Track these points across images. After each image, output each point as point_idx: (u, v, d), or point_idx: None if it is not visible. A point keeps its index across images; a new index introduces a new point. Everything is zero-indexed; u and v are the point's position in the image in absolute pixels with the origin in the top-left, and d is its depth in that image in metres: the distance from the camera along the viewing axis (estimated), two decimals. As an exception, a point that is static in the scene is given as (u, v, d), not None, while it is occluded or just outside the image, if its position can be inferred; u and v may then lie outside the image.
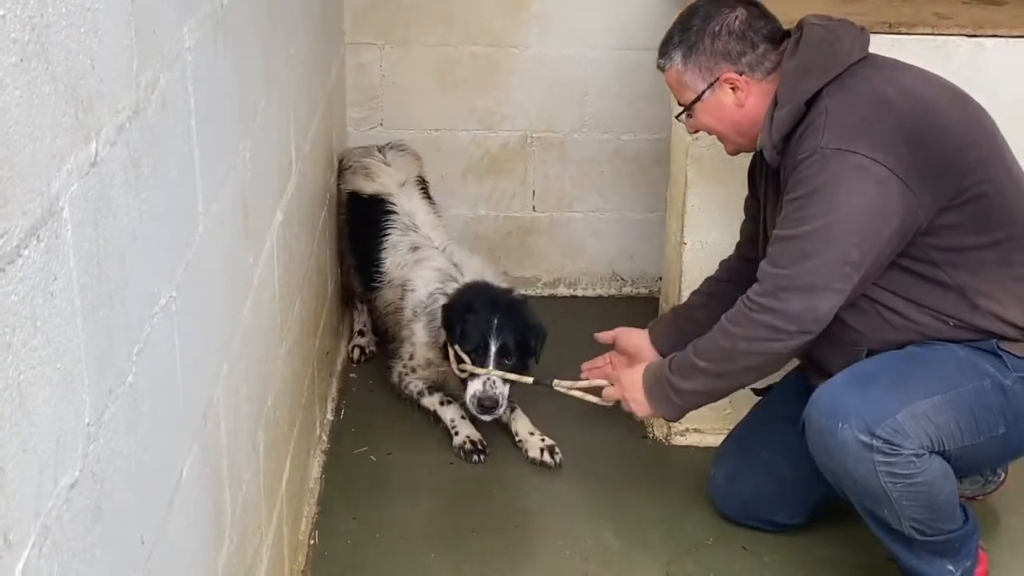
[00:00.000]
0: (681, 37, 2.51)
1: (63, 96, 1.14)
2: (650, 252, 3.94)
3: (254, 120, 2.14)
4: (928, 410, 2.29)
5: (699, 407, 2.64)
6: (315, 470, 3.02)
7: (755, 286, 2.39)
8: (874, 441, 2.25)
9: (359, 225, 3.51)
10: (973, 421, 2.33)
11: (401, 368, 3.34)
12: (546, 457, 3.12)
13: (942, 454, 2.31)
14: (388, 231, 3.43)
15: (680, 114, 2.59)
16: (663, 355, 2.72)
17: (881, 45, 2.84)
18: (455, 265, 3.30)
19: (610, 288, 4.15)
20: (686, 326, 2.78)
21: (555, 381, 2.94)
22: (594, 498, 2.93)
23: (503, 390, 3.02)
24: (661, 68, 2.57)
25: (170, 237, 1.55)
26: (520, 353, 3.08)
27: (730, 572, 2.70)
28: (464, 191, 4.02)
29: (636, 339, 2.92)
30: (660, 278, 3.73)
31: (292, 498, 2.61)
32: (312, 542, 2.78)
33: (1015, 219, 2.38)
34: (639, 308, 3.85)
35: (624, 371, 2.69)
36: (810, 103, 2.39)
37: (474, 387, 3.02)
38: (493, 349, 3.03)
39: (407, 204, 3.49)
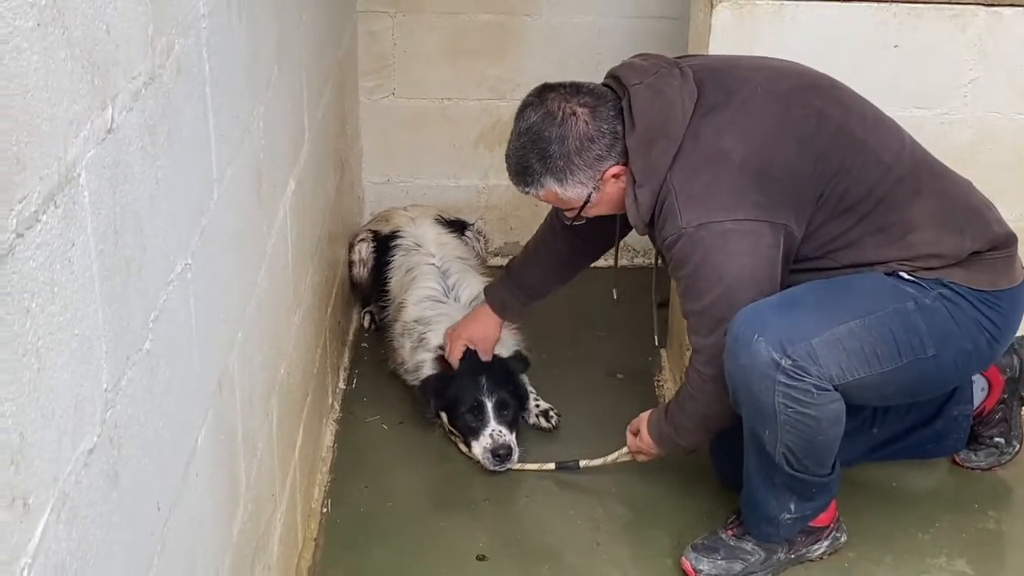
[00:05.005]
0: (544, 167, 2.43)
1: (79, 62, 1.14)
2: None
3: (267, 88, 2.14)
4: (844, 336, 2.31)
5: (704, 443, 2.74)
6: (328, 438, 3.03)
7: (695, 357, 2.48)
8: (783, 360, 2.27)
9: (378, 264, 3.55)
10: (894, 343, 2.34)
11: (394, 368, 3.34)
12: (542, 421, 3.14)
13: (848, 390, 2.32)
14: (393, 256, 3.48)
15: (573, 221, 2.56)
16: (505, 315, 3.03)
17: (898, 14, 2.82)
18: (448, 286, 3.31)
19: (621, 258, 4.11)
20: (520, 291, 3.00)
21: (582, 462, 2.92)
22: (602, 469, 2.93)
23: (512, 437, 2.97)
24: (527, 194, 2.52)
25: (186, 204, 1.55)
26: (515, 403, 3.05)
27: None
28: (475, 161, 4.01)
29: (477, 331, 3.04)
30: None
31: (305, 466, 2.62)
32: (325, 510, 2.79)
33: (874, 186, 2.40)
34: (648, 279, 3.84)
35: (635, 439, 2.75)
36: None
37: (482, 443, 2.95)
38: (490, 405, 2.98)
39: (415, 230, 3.54)
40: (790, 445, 2.37)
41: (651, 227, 2.48)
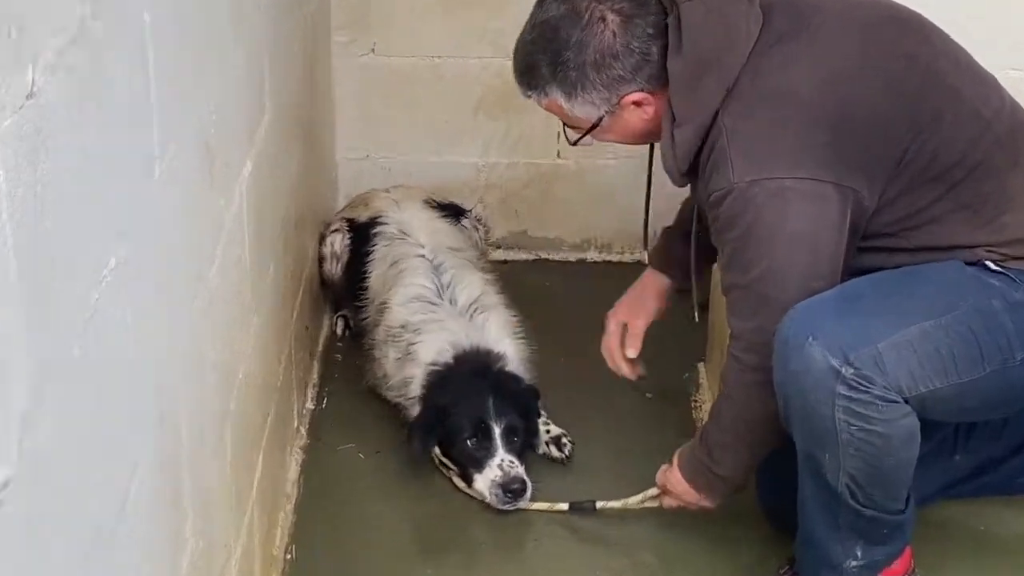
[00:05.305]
0: (553, 73, 2.44)
1: (-7, 12, 1.14)
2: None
3: (220, 46, 2.14)
4: (916, 338, 2.30)
5: (751, 473, 2.68)
6: (293, 470, 3.04)
7: (734, 343, 2.48)
8: (844, 368, 2.27)
9: (355, 259, 3.57)
10: (976, 347, 2.33)
11: (375, 382, 3.35)
12: (552, 449, 3.14)
13: (921, 403, 2.31)
14: (374, 246, 3.49)
15: (576, 142, 2.57)
16: (675, 277, 2.86)
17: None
18: (442, 284, 3.31)
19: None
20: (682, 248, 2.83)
21: (600, 503, 2.92)
22: (624, 512, 2.91)
23: (522, 469, 2.96)
24: (528, 98, 2.53)
25: (122, 185, 1.55)
26: (525, 429, 3.05)
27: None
28: (474, 132, 4.01)
29: (641, 311, 2.97)
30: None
31: (265, 504, 2.62)
32: (289, 556, 2.79)
33: (969, 147, 2.39)
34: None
35: (665, 474, 2.74)
36: None
37: (488, 476, 2.95)
38: (497, 430, 2.99)
39: (400, 215, 3.55)
40: (854, 472, 2.37)
41: (692, 177, 2.48)
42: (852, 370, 2.27)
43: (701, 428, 2.63)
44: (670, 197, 2.84)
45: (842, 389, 2.28)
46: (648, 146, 2.68)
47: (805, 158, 2.33)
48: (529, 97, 2.52)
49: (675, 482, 2.69)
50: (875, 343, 2.29)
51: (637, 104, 2.45)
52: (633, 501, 2.86)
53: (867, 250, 2.43)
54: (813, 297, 2.35)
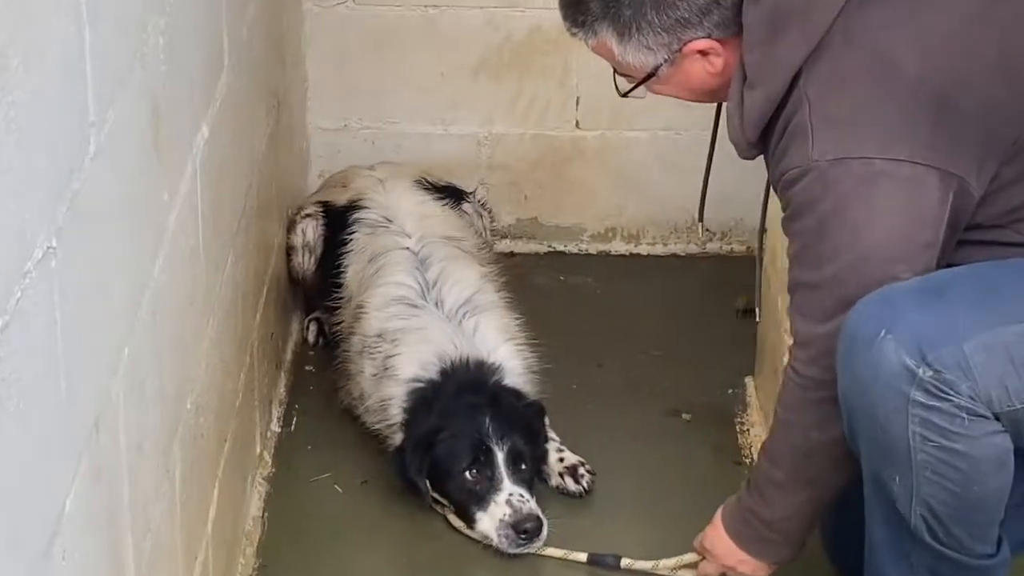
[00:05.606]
0: (605, 8, 2.46)
1: None
2: (749, 190, 3.92)
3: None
4: (1012, 341, 2.28)
5: (810, 528, 2.67)
6: (255, 504, 3.04)
7: (797, 352, 2.47)
8: (921, 369, 2.25)
9: (331, 250, 3.59)
10: None
11: (350, 403, 3.36)
12: (568, 482, 3.15)
13: (1015, 421, 2.29)
14: (352, 234, 3.51)
15: (628, 93, 2.60)
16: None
17: None
18: (427, 282, 3.32)
19: (688, 243, 4.14)
20: None
21: (625, 560, 2.92)
22: (655, 548, 2.92)
23: (535, 503, 2.97)
24: (575, 36, 2.56)
25: (49, 159, 1.55)
26: (533, 455, 3.07)
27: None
28: (475, 97, 4.02)
29: None
30: (765, 229, 3.72)
31: (221, 545, 2.62)
32: (250, 610, 2.82)
33: None
34: (730, 272, 3.85)
35: (707, 535, 2.74)
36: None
37: (495, 515, 2.95)
38: (500, 456, 3.00)
39: (384, 198, 3.57)
40: (931, 502, 2.35)
41: (762, 149, 2.49)
42: (931, 372, 2.25)
43: (752, 472, 2.63)
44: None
45: (918, 395, 2.26)
46: (715, 106, 2.70)
47: (905, 136, 2.33)
48: (575, 35, 2.55)
49: (717, 541, 2.69)
50: (960, 342, 2.27)
51: (702, 53, 2.47)
52: (665, 566, 2.87)
53: (969, 244, 2.43)
54: (891, 285, 2.34)
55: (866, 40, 2.38)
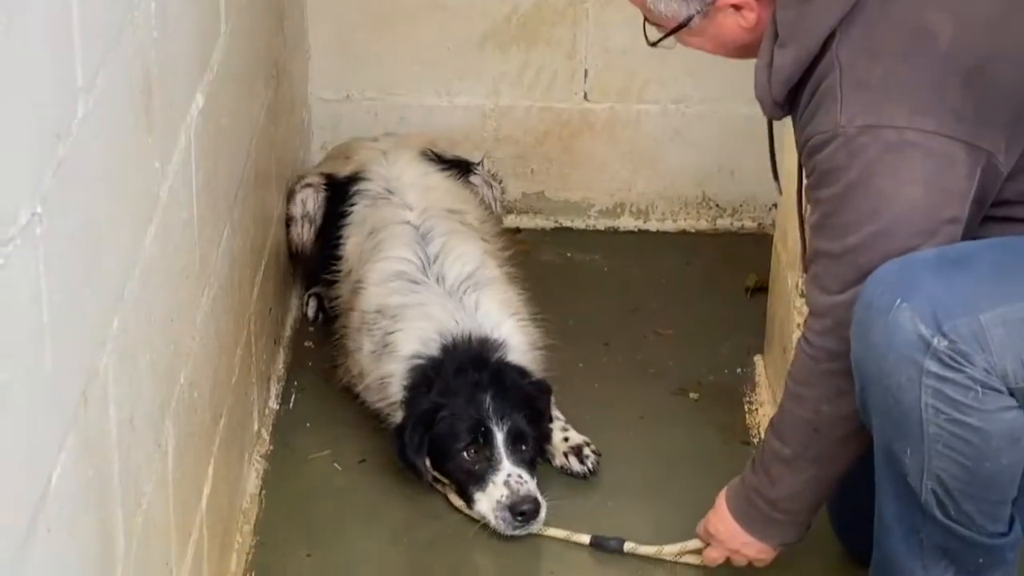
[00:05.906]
0: None
1: None
2: (761, 165, 3.92)
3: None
4: None
5: (816, 508, 2.68)
6: (252, 482, 3.04)
7: (812, 322, 2.48)
8: (936, 339, 2.25)
9: (331, 222, 3.59)
10: None
11: (349, 381, 3.35)
12: (572, 462, 3.15)
13: None
14: (352, 206, 3.50)
15: (657, 43, 2.61)
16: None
17: None
18: (428, 256, 3.30)
19: (699, 219, 4.14)
20: None
21: (628, 545, 2.91)
22: (660, 531, 2.92)
23: (533, 485, 2.96)
24: None
25: (34, 125, 1.54)
26: (535, 435, 3.06)
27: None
28: (481, 68, 4.01)
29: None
30: (774, 205, 3.71)
31: (217, 523, 2.62)
32: (246, 589, 2.81)
33: None
34: (741, 250, 3.85)
35: (710, 519, 2.75)
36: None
37: (491, 495, 2.95)
38: (500, 436, 3.00)
39: (387, 170, 3.56)
40: (942, 476, 2.35)
41: (788, 111, 2.50)
42: (946, 342, 2.26)
43: (758, 449, 2.63)
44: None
45: (932, 365, 2.27)
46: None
47: (935, 107, 2.34)
48: None
49: (720, 524, 2.69)
50: (977, 312, 2.27)
51: (736, 7, 2.48)
52: (669, 552, 2.88)
53: (995, 220, 2.44)
54: (911, 254, 2.34)
55: (903, 7, 2.40)
